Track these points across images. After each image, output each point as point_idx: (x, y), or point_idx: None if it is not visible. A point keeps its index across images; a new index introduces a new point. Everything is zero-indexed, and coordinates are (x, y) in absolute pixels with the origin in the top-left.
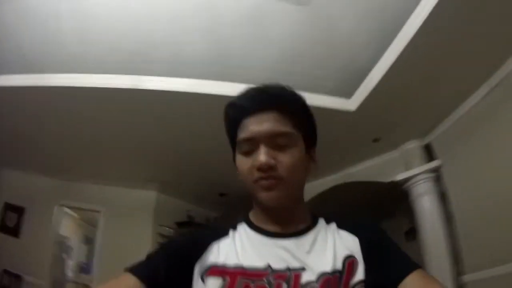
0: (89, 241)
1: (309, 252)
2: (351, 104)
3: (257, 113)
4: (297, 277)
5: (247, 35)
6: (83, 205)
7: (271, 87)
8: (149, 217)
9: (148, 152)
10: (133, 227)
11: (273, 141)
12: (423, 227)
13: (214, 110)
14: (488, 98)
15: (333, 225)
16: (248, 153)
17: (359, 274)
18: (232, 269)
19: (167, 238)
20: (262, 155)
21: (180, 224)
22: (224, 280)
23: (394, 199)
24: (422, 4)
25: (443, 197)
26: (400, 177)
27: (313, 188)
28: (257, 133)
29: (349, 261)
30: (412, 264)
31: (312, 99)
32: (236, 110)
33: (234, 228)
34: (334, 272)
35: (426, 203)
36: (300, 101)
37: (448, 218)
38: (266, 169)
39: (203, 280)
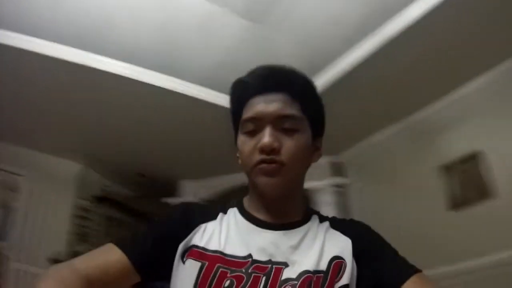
0: (6, 206)
1: (296, 247)
2: None
3: (265, 93)
4: (278, 271)
5: (196, 39)
6: (5, 166)
7: (281, 68)
8: (70, 188)
9: (78, 124)
10: (54, 196)
11: (280, 123)
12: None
13: (152, 99)
14: (395, 137)
15: (326, 224)
16: (251, 134)
17: (345, 278)
18: (211, 253)
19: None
20: (267, 136)
21: (97, 199)
22: (202, 264)
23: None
24: None
25: (346, 210)
26: (307, 185)
27: (224, 182)
28: (264, 113)
29: (336, 263)
30: (410, 268)
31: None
32: (244, 88)
33: (224, 212)
34: (317, 272)
35: (327, 211)
36: (311, 86)
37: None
38: (269, 151)
39: (183, 261)
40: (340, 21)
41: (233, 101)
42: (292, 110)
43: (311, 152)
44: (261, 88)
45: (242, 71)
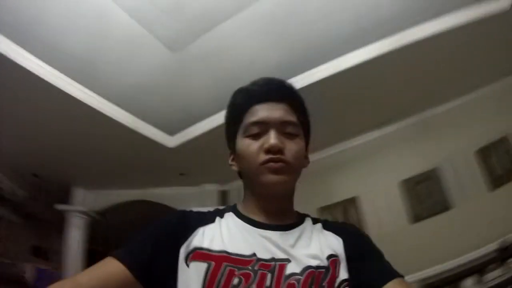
0: None
1: (293, 246)
2: (172, 141)
3: (268, 101)
4: (282, 267)
5: (120, 56)
6: None
7: (282, 82)
8: None
9: None
10: None
11: (283, 128)
12: None
13: (57, 102)
14: None
15: (319, 226)
16: (256, 137)
17: (343, 274)
18: (217, 253)
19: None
20: (274, 138)
21: None
22: (208, 264)
23: None
24: None
25: None
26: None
27: (113, 196)
28: (269, 118)
29: (332, 260)
30: (393, 272)
31: (142, 127)
32: (248, 95)
33: (221, 216)
34: (319, 268)
35: None
36: (302, 99)
37: None
38: (276, 151)
39: (187, 264)
40: (255, 65)
41: (235, 107)
42: (293, 117)
43: (304, 158)
44: (265, 96)
45: (153, 95)
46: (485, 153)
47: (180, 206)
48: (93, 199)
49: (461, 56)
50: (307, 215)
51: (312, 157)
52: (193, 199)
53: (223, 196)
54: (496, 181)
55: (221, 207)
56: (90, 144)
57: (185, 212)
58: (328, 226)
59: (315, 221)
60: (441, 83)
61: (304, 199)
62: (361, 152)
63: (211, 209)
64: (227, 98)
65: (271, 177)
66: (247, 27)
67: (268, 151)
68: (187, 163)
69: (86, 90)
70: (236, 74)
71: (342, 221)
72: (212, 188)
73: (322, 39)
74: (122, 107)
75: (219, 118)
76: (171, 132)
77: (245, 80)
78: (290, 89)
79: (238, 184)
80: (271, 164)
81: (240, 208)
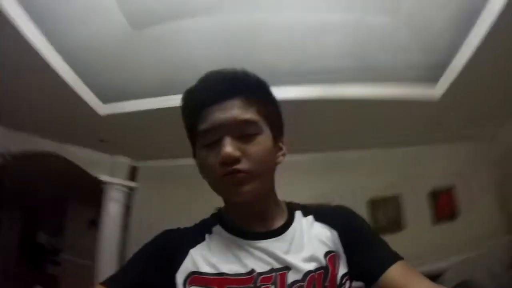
0: None
1: (287, 252)
2: (104, 109)
3: (219, 101)
4: (283, 277)
5: (82, 19)
6: None
7: (232, 73)
8: None
9: None
10: None
11: (238, 130)
12: (104, 223)
13: (12, 39)
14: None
15: (310, 218)
16: (211, 146)
17: (343, 267)
18: (215, 276)
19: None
20: (226, 147)
21: None
22: None
23: (88, 189)
24: None
25: (128, 210)
26: (103, 178)
27: (29, 144)
28: (219, 123)
29: (330, 256)
30: (393, 255)
31: (79, 87)
32: (195, 99)
33: (210, 232)
34: (318, 269)
35: (113, 207)
36: (264, 87)
37: (126, 226)
38: (231, 162)
39: None
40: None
41: (186, 113)
42: (249, 114)
43: (274, 153)
44: (213, 96)
45: (102, 63)
46: (374, 205)
47: (89, 169)
48: (10, 140)
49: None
50: (297, 207)
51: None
52: (103, 166)
53: (133, 171)
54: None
55: (208, 219)
56: (25, 86)
57: (173, 233)
58: (321, 217)
59: (306, 212)
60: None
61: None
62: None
63: (198, 223)
64: (170, 85)
65: (234, 190)
66: (208, 33)
67: (223, 163)
68: (110, 133)
69: (38, 33)
70: (187, 65)
71: (335, 207)
72: (124, 161)
73: (271, 67)
74: (69, 63)
75: (155, 102)
76: (106, 100)
77: (196, 71)
78: (243, 80)
79: (150, 164)
80: (229, 177)
81: (226, 216)
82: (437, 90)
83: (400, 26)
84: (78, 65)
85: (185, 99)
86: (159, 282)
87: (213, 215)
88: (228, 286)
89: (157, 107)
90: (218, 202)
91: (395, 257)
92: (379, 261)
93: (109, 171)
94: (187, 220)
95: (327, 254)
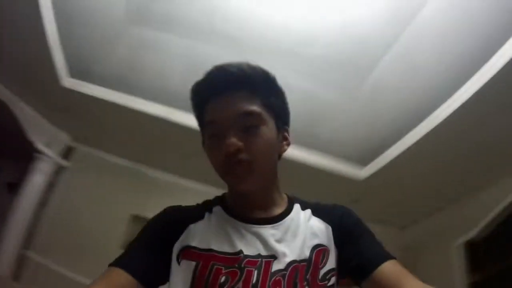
0: None
1: (280, 240)
2: (70, 83)
3: (223, 94)
4: (268, 265)
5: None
6: None
7: (237, 66)
8: None
9: None
10: None
11: (241, 122)
12: (24, 191)
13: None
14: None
15: (308, 212)
16: (216, 137)
17: (330, 263)
18: (204, 252)
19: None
20: (229, 138)
21: None
22: (197, 263)
23: (18, 150)
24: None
25: (51, 187)
26: (40, 146)
27: None
28: (223, 115)
29: (318, 250)
30: (386, 254)
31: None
32: (201, 91)
33: (210, 211)
34: (302, 261)
35: (38, 179)
36: (268, 77)
37: (42, 202)
38: (234, 153)
39: (179, 262)
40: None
41: (194, 106)
42: (252, 105)
43: (278, 143)
44: (217, 89)
45: (97, 49)
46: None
47: (29, 131)
48: None
49: None
50: (297, 200)
51: None
52: (43, 135)
53: (68, 151)
54: None
55: (211, 200)
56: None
57: (175, 209)
58: (318, 212)
59: (304, 206)
60: None
61: None
62: None
63: (200, 203)
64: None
65: (237, 180)
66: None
67: (227, 153)
68: (63, 106)
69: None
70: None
71: (334, 204)
72: (64, 138)
73: None
74: (58, 26)
75: (116, 96)
76: (74, 75)
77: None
78: (248, 72)
79: (88, 151)
80: (233, 167)
81: (228, 200)
82: (363, 172)
83: (353, 106)
84: (65, 32)
85: (193, 91)
86: (163, 256)
87: (216, 197)
88: (213, 262)
89: (117, 102)
90: (136, 209)
91: (388, 256)
92: (372, 257)
93: (47, 142)
94: (101, 217)
95: (315, 247)
